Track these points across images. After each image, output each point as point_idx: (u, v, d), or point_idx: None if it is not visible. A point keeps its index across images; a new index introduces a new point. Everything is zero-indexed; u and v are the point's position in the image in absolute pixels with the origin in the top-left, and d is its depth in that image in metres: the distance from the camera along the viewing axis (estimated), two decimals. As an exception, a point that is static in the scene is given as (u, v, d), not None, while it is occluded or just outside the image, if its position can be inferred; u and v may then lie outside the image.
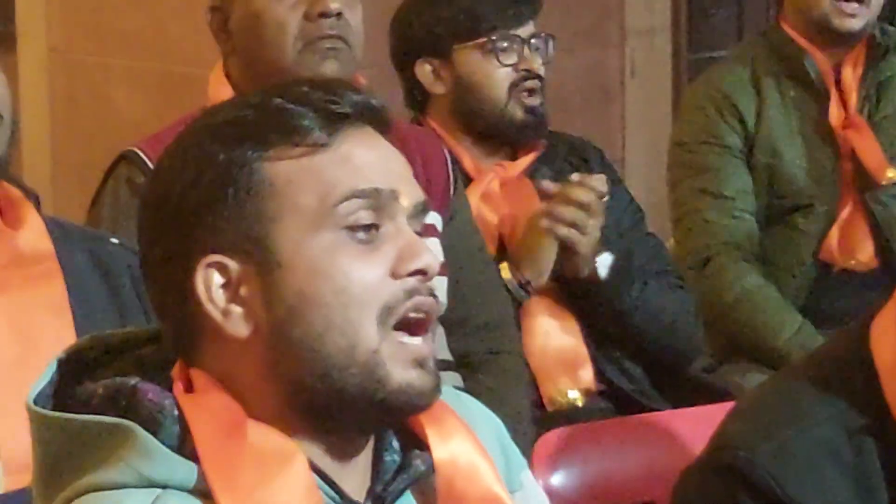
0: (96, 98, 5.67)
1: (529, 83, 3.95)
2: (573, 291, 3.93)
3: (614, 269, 3.90)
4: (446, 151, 3.71)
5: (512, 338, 3.72)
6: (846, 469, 2.33)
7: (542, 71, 4.01)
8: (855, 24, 4.35)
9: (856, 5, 4.32)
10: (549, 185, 3.84)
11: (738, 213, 4.40)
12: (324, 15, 3.36)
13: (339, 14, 3.36)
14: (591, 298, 3.93)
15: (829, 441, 2.34)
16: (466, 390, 2.31)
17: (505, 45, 3.93)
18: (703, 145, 4.45)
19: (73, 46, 5.73)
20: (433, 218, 3.46)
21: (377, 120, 2.00)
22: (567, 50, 4.20)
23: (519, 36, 3.96)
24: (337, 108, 1.95)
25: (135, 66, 5.56)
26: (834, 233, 4.33)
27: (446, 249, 3.52)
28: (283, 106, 1.95)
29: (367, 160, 1.96)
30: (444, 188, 3.62)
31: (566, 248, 3.82)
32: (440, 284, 3.35)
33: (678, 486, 2.46)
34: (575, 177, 3.84)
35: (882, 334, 2.38)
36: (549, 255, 3.70)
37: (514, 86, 3.94)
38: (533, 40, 3.99)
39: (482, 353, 3.57)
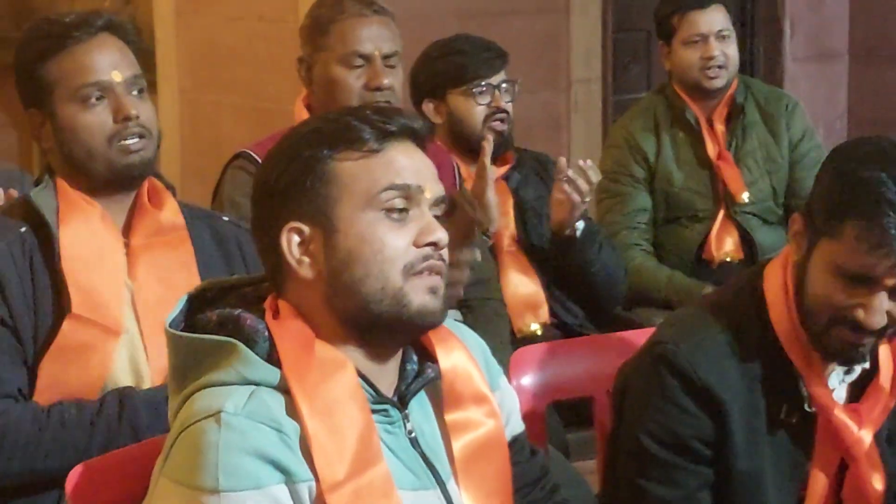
0: (210, 125, 5.68)
1: (498, 116, 3.98)
2: (554, 246, 3.97)
3: (585, 231, 3.93)
4: (453, 161, 3.76)
5: (496, 289, 3.75)
6: (739, 365, 2.37)
7: (508, 107, 4.02)
8: (717, 83, 4.35)
9: (717, 69, 4.34)
10: (564, 164, 3.84)
11: (636, 224, 4.43)
12: (379, 89, 3.38)
13: (390, 88, 3.40)
14: (568, 251, 3.96)
15: (729, 343, 2.38)
16: (465, 324, 2.34)
17: (482, 89, 3.96)
18: (618, 175, 4.46)
19: (196, 88, 5.73)
20: None
21: (415, 136, 2.05)
22: (530, 91, 4.22)
23: (491, 83, 3.98)
24: (388, 127, 2.01)
25: (237, 102, 5.57)
26: (712, 236, 4.36)
27: None
28: (351, 122, 2.01)
29: (405, 164, 2.01)
30: (451, 186, 3.58)
31: (567, 212, 3.87)
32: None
33: (621, 370, 2.50)
34: (588, 163, 3.87)
35: (770, 275, 2.42)
36: (493, 213, 3.77)
37: (486, 118, 3.97)
38: (503, 85, 4.01)
39: (477, 300, 3.57)
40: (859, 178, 2.26)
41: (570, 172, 3.81)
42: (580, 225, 3.94)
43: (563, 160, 3.88)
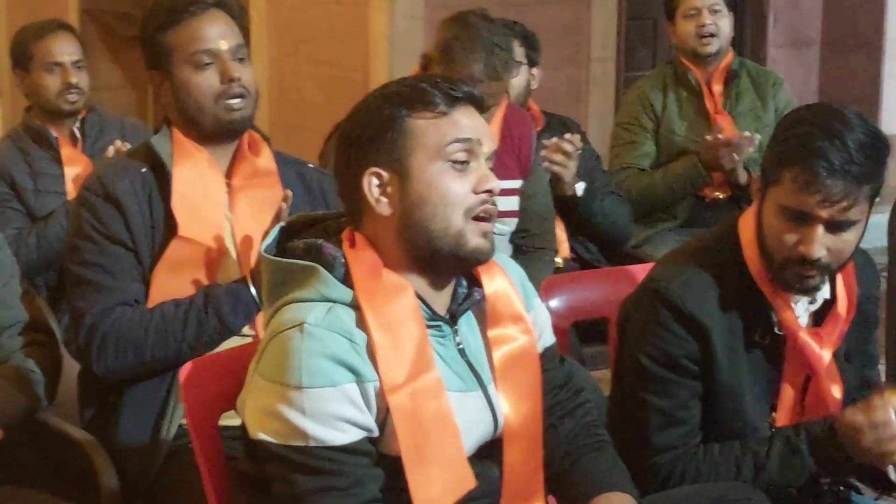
0: (293, 89, 5.67)
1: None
2: (563, 204, 3.94)
3: (586, 191, 3.93)
4: (532, 131, 3.71)
5: (550, 241, 3.73)
6: (720, 297, 2.36)
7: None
8: (709, 49, 4.37)
9: (709, 38, 4.36)
10: (549, 141, 3.84)
11: (641, 165, 4.42)
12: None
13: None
14: (573, 208, 3.95)
15: (712, 280, 2.37)
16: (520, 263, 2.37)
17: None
18: (629, 125, 4.48)
19: (282, 59, 5.73)
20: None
21: (476, 103, 2.03)
22: (555, 68, 4.23)
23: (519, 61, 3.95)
24: (454, 93, 1.99)
25: (315, 70, 5.57)
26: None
27: (527, 185, 3.56)
28: (425, 87, 1.99)
29: (467, 124, 1.99)
30: (528, 152, 3.60)
31: (557, 178, 3.86)
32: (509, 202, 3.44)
33: (623, 304, 2.49)
34: (566, 136, 3.87)
35: (745, 222, 2.40)
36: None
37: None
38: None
39: (532, 248, 3.54)
40: (794, 133, 2.28)
41: (543, 152, 3.81)
42: (580, 186, 3.92)
43: (548, 141, 3.88)
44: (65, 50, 3.92)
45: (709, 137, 4.22)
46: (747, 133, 4.05)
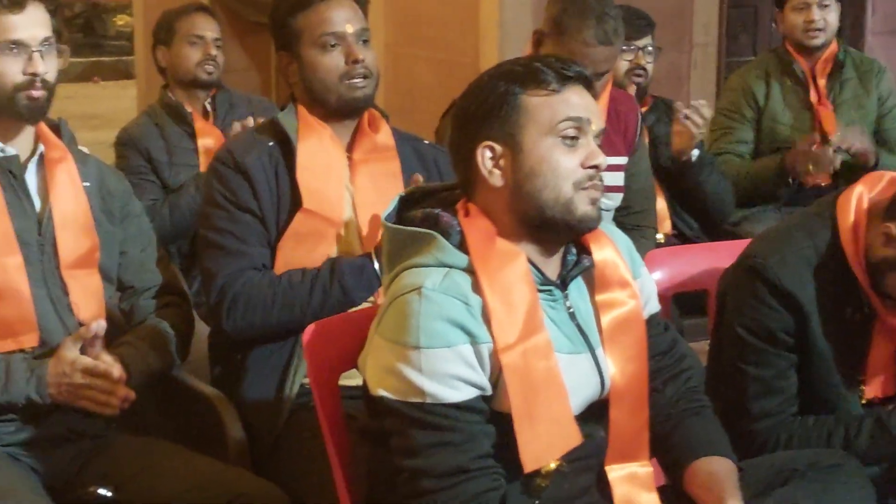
0: (407, 72, 5.69)
1: (637, 71, 3.97)
2: (668, 177, 3.95)
3: (699, 158, 3.92)
4: (637, 112, 3.66)
5: (652, 218, 3.70)
6: (815, 275, 2.36)
7: (648, 67, 4.01)
8: (816, 42, 4.30)
9: (816, 31, 4.30)
10: (681, 105, 3.84)
11: (737, 151, 4.37)
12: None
13: None
14: (686, 173, 3.94)
15: (807, 258, 2.36)
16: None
17: (629, 48, 3.95)
18: (730, 112, 4.42)
19: (397, 43, 5.76)
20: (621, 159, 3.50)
21: (586, 82, 2.03)
22: (662, 53, 4.21)
23: (637, 45, 3.97)
24: (566, 73, 1.99)
25: (428, 55, 5.58)
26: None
27: (631, 163, 3.54)
28: (539, 67, 2.00)
29: (578, 102, 1.99)
30: (634, 131, 3.55)
31: (685, 141, 3.86)
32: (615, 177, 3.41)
33: (722, 278, 2.50)
34: (702, 102, 3.86)
35: (843, 205, 2.39)
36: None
37: (628, 72, 3.96)
38: (648, 47, 4.00)
39: (633, 226, 3.48)
40: None
41: (687, 110, 3.80)
42: (695, 153, 3.91)
43: (679, 103, 3.89)
44: (206, 26, 4.01)
45: (801, 146, 4.15)
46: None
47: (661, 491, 2.13)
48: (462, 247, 1.97)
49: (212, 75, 3.98)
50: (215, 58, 3.98)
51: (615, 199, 3.50)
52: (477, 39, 5.16)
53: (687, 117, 3.78)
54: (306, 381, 2.52)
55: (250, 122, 3.58)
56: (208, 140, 3.88)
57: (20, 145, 2.57)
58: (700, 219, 4.10)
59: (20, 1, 2.48)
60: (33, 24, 2.50)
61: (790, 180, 4.24)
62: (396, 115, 5.24)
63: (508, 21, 5.13)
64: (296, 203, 2.65)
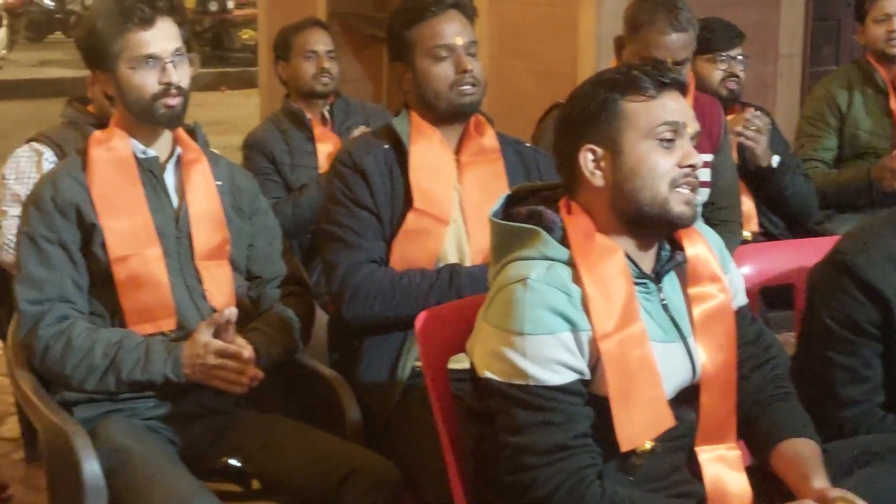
0: (510, 82, 5.68)
1: (732, 79, 3.93)
2: (756, 179, 3.90)
3: (780, 163, 3.87)
4: (721, 114, 3.64)
5: (737, 214, 3.65)
6: None
7: (741, 74, 3.97)
8: None
9: None
10: (745, 115, 3.81)
11: (822, 158, 4.30)
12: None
13: None
14: (768, 179, 3.89)
15: (892, 256, 2.32)
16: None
17: (723, 58, 3.92)
18: (814, 120, 4.36)
19: (500, 55, 5.76)
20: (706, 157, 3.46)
21: (681, 89, 2.03)
22: (749, 64, 4.16)
23: (730, 55, 3.94)
24: (662, 79, 2.00)
25: (530, 66, 5.57)
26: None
27: (717, 162, 3.52)
28: (636, 74, 2.00)
29: (674, 107, 1.99)
30: (718, 131, 3.54)
31: (751, 151, 3.82)
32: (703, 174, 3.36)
33: (811, 273, 2.46)
34: (755, 113, 3.82)
35: None
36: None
37: (722, 80, 3.92)
38: (739, 57, 3.96)
39: (719, 221, 3.45)
40: None
41: (739, 127, 3.78)
42: (776, 159, 3.86)
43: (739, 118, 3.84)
44: (319, 41, 4.07)
45: (886, 161, 4.07)
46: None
47: (749, 471, 2.12)
48: (564, 241, 1.98)
49: (327, 86, 4.04)
50: (329, 70, 4.03)
51: (703, 195, 3.47)
52: (575, 51, 5.15)
53: (739, 133, 3.76)
54: (417, 363, 2.57)
55: (365, 129, 3.63)
56: (326, 144, 3.94)
57: (160, 148, 2.63)
58: (785, 218, 4.05)
59: (150, 18, 2.54)
60: (164, 38, 2.56)
61: (875, 192, 4.15)
62: (499, 122, 5.24)
63: (604, 34, 5.11)
64: (408, 202, 2.68)
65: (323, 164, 3.87)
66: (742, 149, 3.89)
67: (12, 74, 13.24)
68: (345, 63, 6.53)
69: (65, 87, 10.27)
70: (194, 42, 14.54)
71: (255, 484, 2.66)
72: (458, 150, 2.77)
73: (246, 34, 14.20)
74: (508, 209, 2.08)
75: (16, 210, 3.13)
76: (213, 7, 14.73)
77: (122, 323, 2.55)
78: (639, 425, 1.95)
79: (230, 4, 14.86)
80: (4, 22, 13.62)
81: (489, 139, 2.80)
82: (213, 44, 14.76)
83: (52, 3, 16.07)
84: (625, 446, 1.95)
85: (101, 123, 2.69)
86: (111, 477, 2.36)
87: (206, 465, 2.57)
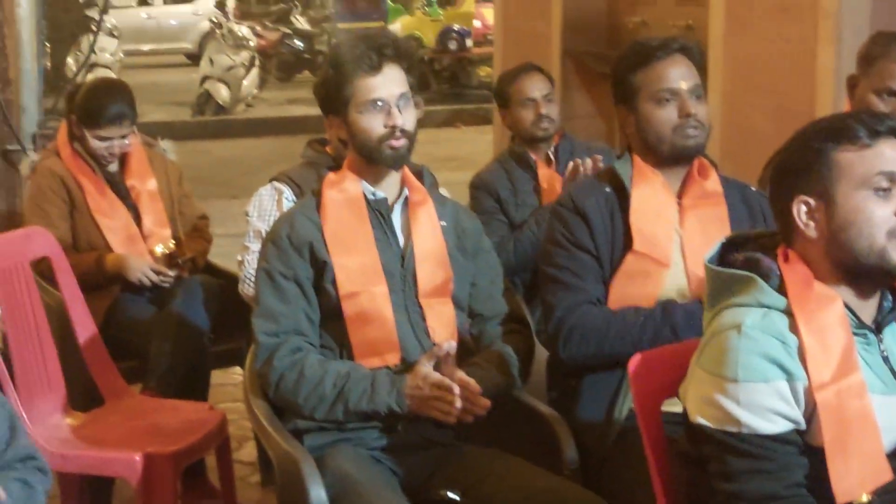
0: (744, 119, 5.59)
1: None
2: None
3: None
4: None
5: None
6: None
7: None
8: None
9: None
10: None
11: None
12: None
13: None
14: None
15: None
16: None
17: None
18: None
19: (734, 92, 5.68)
20: None
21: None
22: None
23: None
24: (877, 127, 1.96)
25: (765, 103, 5.47)
26: None
27: None
28: (850, 123, 1.98)
29: (890, 155, 1.96)
30: None
31: None
32: None
33: None
34: None
35: None
36: None
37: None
38: None
39: None
40: None
41: None
42: None
43: None
44: (535, 87, 4.15)
45: None
46: None
47: None
48: (781, 290, 1.97)
49: (546, 131, 4.12)
50: (548, 115, 4.10)
51: None
52: (813, 88, 5.03)
53: None
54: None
55: (589, 163, 3.68)
56: (551, 184, 4.02)
57: (388, 189, 2.75)
58: None
59: (377, 64, 2.66)
60: (390, 83, 2.67)
61: None
62: (731, 160, 5.20)
63: (844, 70, 4.96)
64: (628, 244, 2.71)
65: (544, 202, 3.96)
66: None
67: (262, 113, 13.95)
68: (576, 100, 6.61)
69: (310, 125, 10.76)
70: (433, 79, 14.96)
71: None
72: (680, 194, 2.78)
73: (483, 71, 14.52)
74: (726, 255, 2.08)
75: (257, 246, 3.31)
76: (453, 46, 15.12)
77: (350, 356, 2.67)
78: (856, 477, 1.92)
79: (469, 43, 15.20)
80: (257, 62, 14.34)
81: (712, 183, 2.80)
82: (450, 81, 15.14)
83: (302, 45, 16.84)
84: (841, 499, 1.92)
85: (338, 164, 2.84)
86: (336, 503, 2.47)
87: (426, 496, 2.65)
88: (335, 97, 2.70)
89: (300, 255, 2.67)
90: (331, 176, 2.78)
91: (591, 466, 2.68)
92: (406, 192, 2.78)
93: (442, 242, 2.76)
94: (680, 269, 2.72)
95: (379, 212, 2.73)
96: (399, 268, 2.71)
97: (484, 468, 2.63)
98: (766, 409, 1.90)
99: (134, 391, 3.65)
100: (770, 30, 5.43)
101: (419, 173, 2.85)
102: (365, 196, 2.73)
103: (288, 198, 3.48)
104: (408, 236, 2.74)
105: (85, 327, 3.55)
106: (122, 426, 3.38)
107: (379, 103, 2.67)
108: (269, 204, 3.49)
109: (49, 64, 13.14)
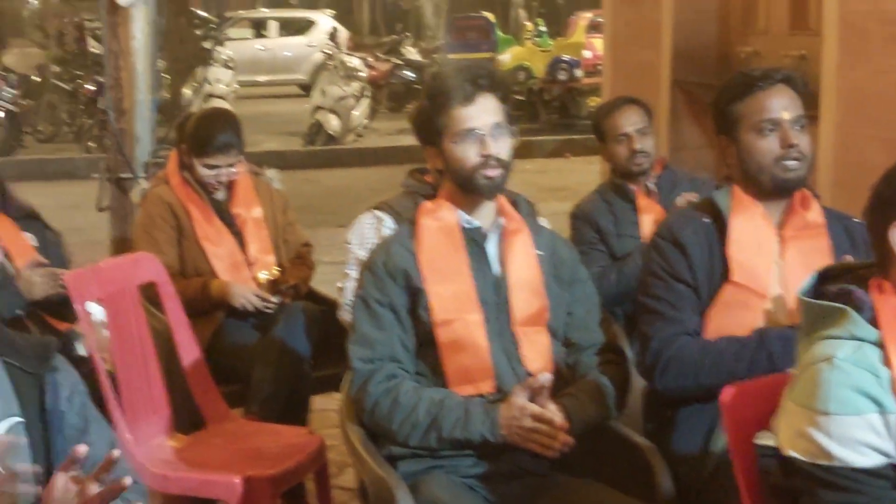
0: (857, 150, 5.52)
1: None
2: None
3: None
4: None
5: None
6: None
7: None
8: None
9: None
10: None
11: None
12: None
13: None
14: None
15: None
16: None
17: None
18: None
19: (847, 122, 5.60)
20: None
21: None
22: None
23: None
24: None
25: (879, 133, 5.39)
26: None
27: None
28: None
29: None
30: None
31: None
32: None
33: None
34: None
35: None
36: None
37: None
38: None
39: None
40: None
41: None
42: None
43: None
44: (629, 121, 4.14)
45: None
46: None
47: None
48: (874, 322, 1.95)
49: (641, 166, 4.10)
50: (641, 149, 4.08)
51: None
52: (924, 118, 4.96)
53: None
54: (730, 438, 2.56)
55: (692, 196, 3.67)
56: (650, 215, 4.03)
57: (483, 218, 2.78)
58: None
59: (471, 95, 2.70)
60: (484, 113, 2.70)
61: None
62: (844, 192, 5.13)
63: (960, 101, 4.89)
64: (726, 275, 2.70)
65: (647, 234, 3.93)
66: None
67: (372, 143, 14.15)
68: (686, 131, 6.56)
69: (417, 155, 10.82)
70: (542, 110, 14.99)
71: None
72: (781, 225, 2.77)
73: (593, 102, 14.49)
74: (820, 287, 2.07)
75: (356, 273, 3.37)
76: (562, 76, 15.14)
77: (444, 383, 2.70)
78: (954, 516, 1.89)
79: (578, 73, 15.20)
80: (368, 93, 14.54)
81: (814, 214, 2.79)
82: (560, 111, 15.16)
83: (413, 75, 17.04)
84: (935, 535, 1.89)
85: (437, 193, 2.88)
86: (429, 529, 2.50)
87: (520, 525, 2.65)
88: (431, 127, 2.75)
89: (395, 282, 2.71)
90: (427, 204, 2.82)
91: (687, 499, 2.67)
92: (501, 221, 2.81)
93: (538, 271, 2.78)
94: (780, 303, 2.70)
95: (474, 240, 2.77)
96: (494, 296, 2.73)
97: (578, 499, 2.64)
98: (858, 442, 1.88)
99: (236, 415, 3.73)
100: (884, 61, 5.35)
101: (515, 202, 2.88)
102: (460, 225, 2.77)
103: (388, 226, 3.53)
104: (503, 265, 2.77)
105: (189, 351, 3.65)
106: (223, 449, 3.46)
107: (473, 133, 2.70)
108: (370, 232, 3.55)
109: (168, 95, 13.55)
